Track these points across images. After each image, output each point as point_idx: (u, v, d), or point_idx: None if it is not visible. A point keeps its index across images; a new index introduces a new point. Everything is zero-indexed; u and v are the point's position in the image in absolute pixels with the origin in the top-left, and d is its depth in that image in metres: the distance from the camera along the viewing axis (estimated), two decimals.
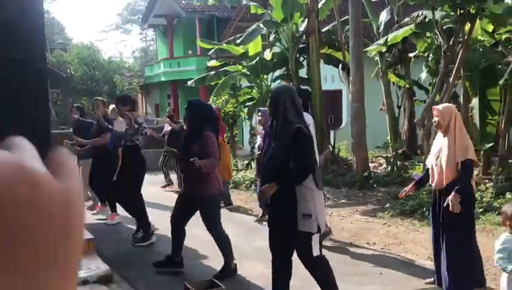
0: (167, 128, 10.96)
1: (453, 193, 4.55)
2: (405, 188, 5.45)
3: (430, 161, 4.97)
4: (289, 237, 4.26)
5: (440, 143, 4.83)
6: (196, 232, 7.23)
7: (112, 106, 8.98)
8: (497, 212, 7.39)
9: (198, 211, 5.78)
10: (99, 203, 8.75)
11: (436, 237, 4.97)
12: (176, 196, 9.48)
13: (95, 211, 8.72)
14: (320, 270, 4.31)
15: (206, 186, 5.57)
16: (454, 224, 4.69)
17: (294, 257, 4.37)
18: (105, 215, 8.49)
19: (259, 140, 8.11)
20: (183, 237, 5.92)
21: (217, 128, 5.95)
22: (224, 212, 9.19)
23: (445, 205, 4.64)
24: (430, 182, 5.04)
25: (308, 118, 6.54)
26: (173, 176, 10.96)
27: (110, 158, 7.90)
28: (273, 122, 4.35)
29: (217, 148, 5.62)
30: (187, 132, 5.84)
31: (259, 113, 8.13)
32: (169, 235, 5.94)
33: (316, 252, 4.15)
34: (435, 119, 4.84)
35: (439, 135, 4.89)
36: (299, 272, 4.52)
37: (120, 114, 7.39)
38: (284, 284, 4.46)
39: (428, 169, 5.11)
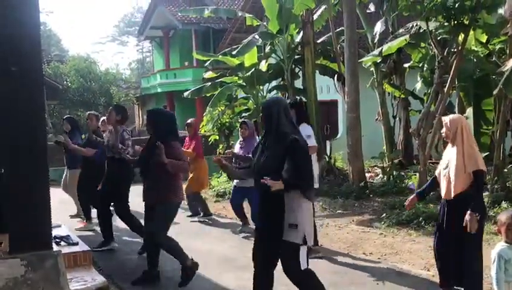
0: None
1: (469, 212, 4.58)
2: (408, 199, 5.39)
3: (440, 170, 5.01)
4: (276, 247, 4.17)
5: (449, 153, 4.88)
6: (191, 243, 7.24)
7: (102, 118, 9.04)
8: (493, 221, 7.40)
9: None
10: (85, 220, 8.73)
11: (442, 246, 4.98)
12: None
13: (80, 226, 8.63)
14: (306, 284, 4.22)
15: (169, 195, 5.56)
16: (470, 235, 4.69)
17: (279, 268, 4.30)
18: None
19: (237, 149, 8.23)
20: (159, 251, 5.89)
21: (179, 136, 5.91)
22: (220, 222, 9.25)
23: (464, 224, 4.62)
24: (439, 192, 5.07)
25: (308, 129, 6.55)
26: None
27: (95, 170, 8.00)
28: (265, 134, 4.35)
29: (182, 153, 5.62)
30: (151, 142, 5.68)
31: (244, 126, 8.24)
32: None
33: (303, 265, 4.09)
34: (443, 130, 4.91)
35: (449, 145, 4.95)
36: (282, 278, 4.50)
37: (109, 121, 7.32)
38: None
39: (435, 177, 5.15)
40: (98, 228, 8.47)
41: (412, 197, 5.34)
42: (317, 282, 4.24)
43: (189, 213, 9.70)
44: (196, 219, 9.51)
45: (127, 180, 7.18)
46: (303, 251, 4.08)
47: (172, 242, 5.65)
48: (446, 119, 4.94)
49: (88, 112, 8.91)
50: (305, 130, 6.07)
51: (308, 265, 4.15)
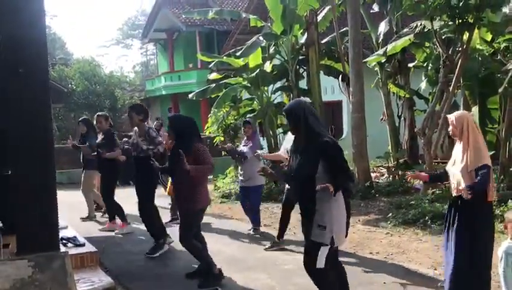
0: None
1: (464, 187, 4.42)
2: (417, 173, 5.42)
3: (449, 166, 4.93)
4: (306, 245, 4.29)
5: (457, 151, 4.82)
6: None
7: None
8: (499, 220, 7.37)
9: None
10: (109, 221, 8.79)
11: (449, 245, 4.77)
12: None
13: (104, 227, 8.77)
14: (323, 283, 4.26)
15: (195, 200, 5.60)
16: (476, 233, 4.54)
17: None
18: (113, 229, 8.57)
19: (242, 147, 8.39)
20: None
21: (202, 139, 5.90)
22: (226, 224, 9.24)
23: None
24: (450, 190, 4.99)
25: None
26: None
27: (113, 168, 8.29)
28: (295, 138, 4.38)
29: (209, 156, 5.64)
30: (175, 147, 5.73)
31: (247, 125, 8.42)
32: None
33: (320, 264, 4.10)
34: (450, 128, 4.86)
35: (457, 142, 4.86)
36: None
37: (132, 122, 7.20)
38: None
39: (445, 171, 5.02)
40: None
41: (422, 174, 5.32)
42: (333, 285, 4.31)
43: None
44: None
45: (153, 178, 7.14)
46: (323, 250, 4.09)
47: (198, 247, 5.75)
48: (452, 117, 4.86)
49: (96, 114, 8.84)
50: None
51: (326, 265, 4.14)
